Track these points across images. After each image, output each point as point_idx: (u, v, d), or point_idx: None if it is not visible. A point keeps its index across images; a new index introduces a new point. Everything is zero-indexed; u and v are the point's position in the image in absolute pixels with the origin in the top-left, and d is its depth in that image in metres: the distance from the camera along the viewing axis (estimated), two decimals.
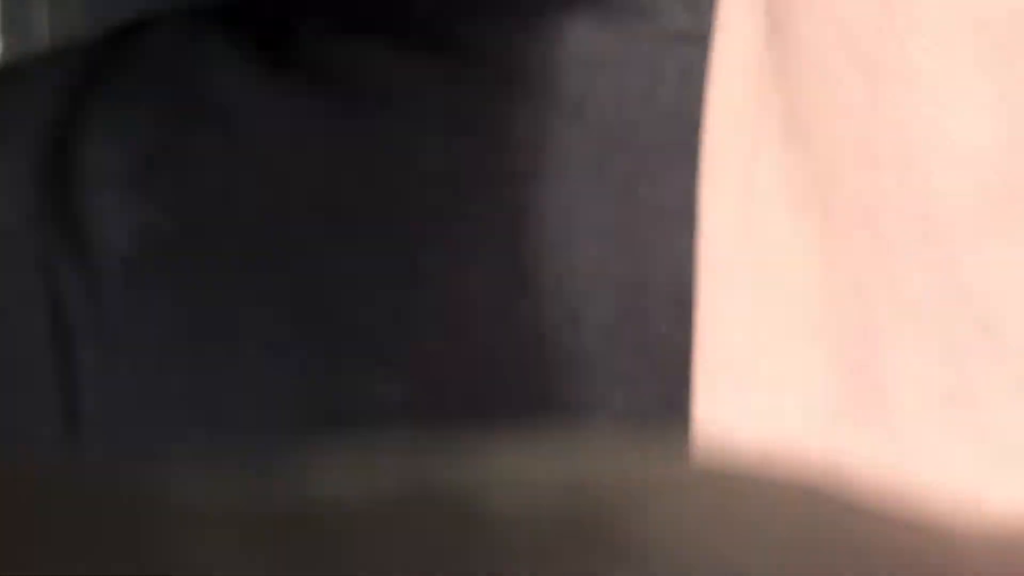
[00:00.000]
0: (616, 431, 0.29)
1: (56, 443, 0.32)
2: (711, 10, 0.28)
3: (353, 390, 0.30)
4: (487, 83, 0.29)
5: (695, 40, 0.28)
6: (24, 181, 0.30)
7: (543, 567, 0.08)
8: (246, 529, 0.08)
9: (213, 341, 0.30)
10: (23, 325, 0.31)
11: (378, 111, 0.29)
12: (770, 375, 0.16)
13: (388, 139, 0.29)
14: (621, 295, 0.29)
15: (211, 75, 0.30)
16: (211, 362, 0.30)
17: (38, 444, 0.32)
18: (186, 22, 0.30)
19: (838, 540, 0.08)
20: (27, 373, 0.31)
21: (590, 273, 0.29)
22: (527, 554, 0.08)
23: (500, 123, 0.29)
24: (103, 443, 0.32)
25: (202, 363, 0.30)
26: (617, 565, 0.08)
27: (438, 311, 0.30)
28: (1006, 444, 0.14)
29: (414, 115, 0.29)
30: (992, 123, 0.12)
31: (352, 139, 0.29)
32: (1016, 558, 0.09)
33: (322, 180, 0.29)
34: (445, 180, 0.29)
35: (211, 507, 0.09)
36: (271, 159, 0.29)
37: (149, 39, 0.31)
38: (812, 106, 0.14)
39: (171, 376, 0.31)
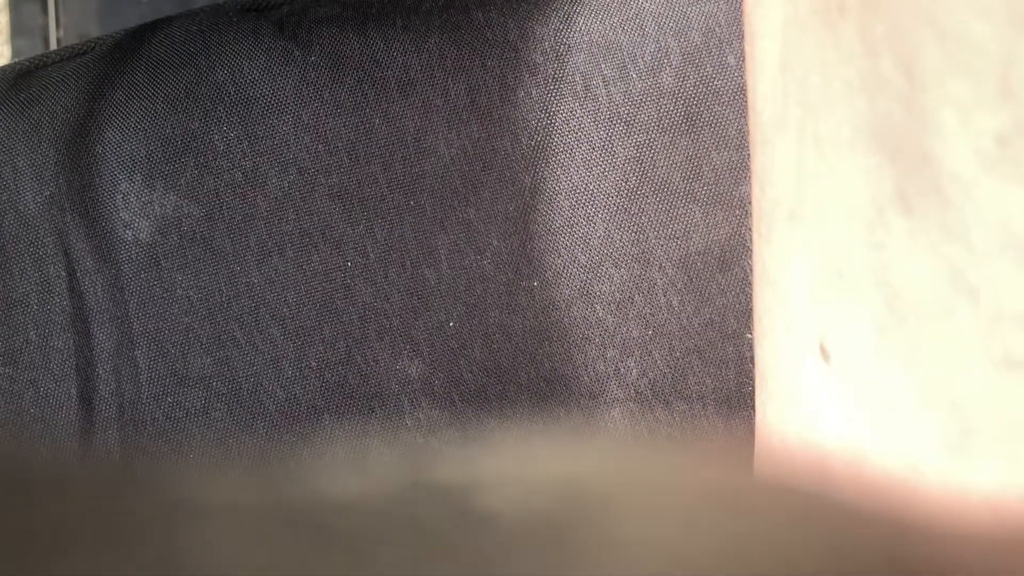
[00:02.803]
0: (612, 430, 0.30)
1: (71, 428, 0.32)
2: None
3: (374, 368, 0.30)
4: (500, 68, 0.30)
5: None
6: (48, 170, 0.31)
7: (537, 563, 0.08)
8: (249, 522, 0.08)
9: (237, 324, 0.31)
10: (42, 310, 0.32)
11: (399, 99, 0.30)
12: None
13: (408, 126, 0.30)
14: (630, 268, 0.30)
15: (231, 65, 0.30)
16: (234, 344, 0.31)
17: (53, 429, 0.32)
18: (204, 16, 0.31)
19: (828, 540, 0.09)
20: (44, 358, 0.32)
21: (599, 248, 0.30)
22: (522, 551, 0.08)
23: (512, 107, 0.30)
24: (116, 428, 0.32)
25: (225, 345, 0.31)
26: (609, 561, 0.08)
27: (454, 290, 0.30)
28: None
29: (433, 102, 0.30)
30: None
31: (373, 128, 0.30)
32: (998, 552, 0.09)
33: (344, 168, 0.30)
34: (460, 164, 0.30)
35: (216, 499, 0.09)
36: (294, 148, 0.30)
37: (167, 33, 0.31)
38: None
39: (193, 358, 0.31)
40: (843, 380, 0.15)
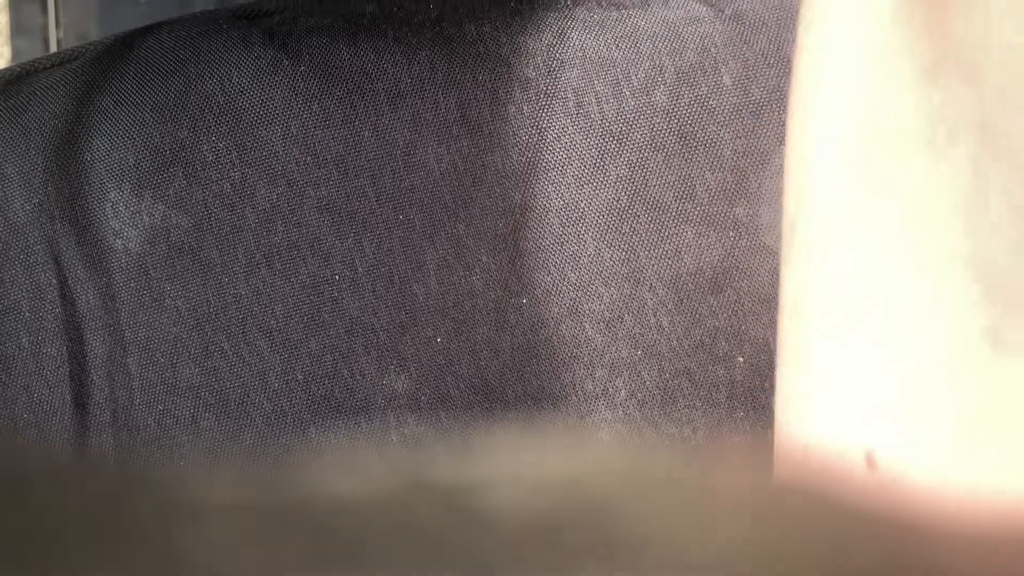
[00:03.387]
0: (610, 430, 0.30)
1: (65, 433, 0.32)
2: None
3: (361, 382, 0.30)
4: (492, 82, 0.29)
5: (706, 20, 0.28)
6: (37, 177, 0.31)
7: (536, 564, 0.08)
8: (247, 522, 0.08)
9: (224, 335, 0.31)
10: (34, 318, 0.32)
11: (388, 112, 0.29)
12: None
13: (398, 140, 0.30)
14: (620, 288, 0.29)
15: (220, 74, 0.30)
16: (222, 355, 0.31)
17: (47, 434, 0.32)
18: (194, 23, 0.31)
19: (829, 543, 0.09)
20: (37, 364, 0.32)
21: (589, 267, 0.30)
22: (521, 551, 0.08)
23: (503, 122, 0.29)
24: (111, 433, 0.32)
25: (213, 356, 0.31)
26: (609, 561, 0.08)
27: (442, 306, 0.30)
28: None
29: (423, 116, 0.29)
30: None
31: (363, 140, 0.30)
32: (999, 554, 0.09)
33: (333, 181, 0.30)
34: (450, 179, 0.30)
35: (213, 499, 0.09)
36: (283, 160, 0.30)
37: (156, 39, 0.31)
38: (971, 39, 0.14)
39: (182, 368, 0.31)
40: (889, 488, 0.15)
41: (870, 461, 0.15)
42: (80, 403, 0.32)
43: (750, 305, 0.29)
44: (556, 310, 0.30)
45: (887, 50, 0.15)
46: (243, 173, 0.30)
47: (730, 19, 0.27)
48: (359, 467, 0.09)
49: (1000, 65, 0.14)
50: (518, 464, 0.10)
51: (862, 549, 0.09)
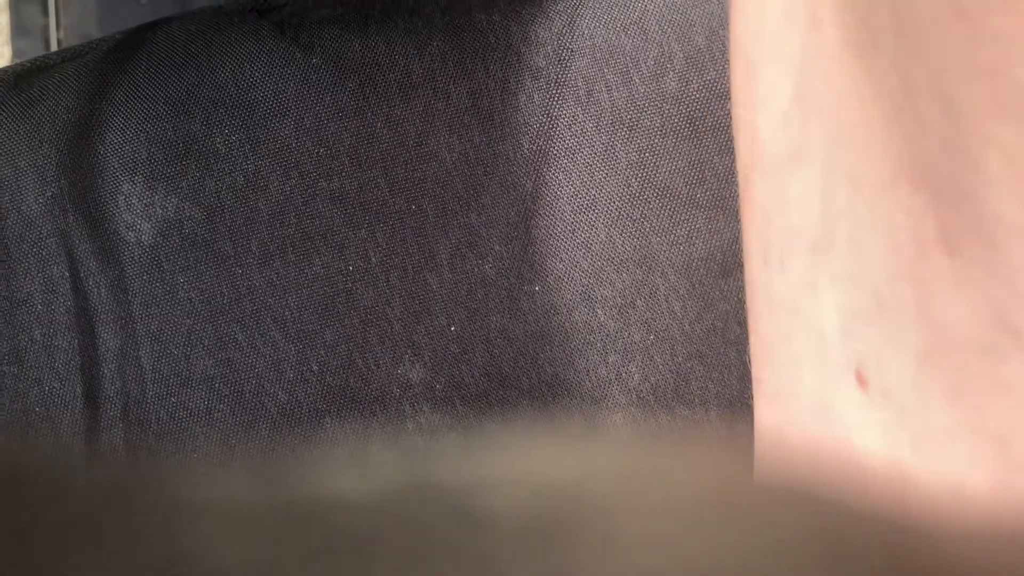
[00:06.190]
0: (614, 430, 0.30)
1: (76, 426, 0.32)
2: None
3: (376, 372, 0.30)
4: (503, 72, 0.29)
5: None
6: (50, 171, 0.31)
7: (536, 564, 0.08)
8: (251, 522, 0.08)
9: (238, 326, 0.31)
10: (46, 311, 0.32)
11: (400, 102, 0.30)
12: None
13: (409, 130, 0.30)
14: (632, 273, 0.30)
15: (232, 66, 0.30)
16: (236, 346, 0.31)
17: (59, 427, 0.32)
18: (204, 17, 0.31)
19: (827, 544, 0.09)
20: (49, 357, 0.32)
21: (601, 253, 0.30)
22: (521, 551, 0.08)
23: (514, 111, 0.29)
24: (122, 426, 0.32)
25: (227, 347, 0.31)
26: (607, 562, 0.08)
27: (455, 295, 0.30)
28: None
29: (434, 106, 0.30)
30: None
31: (375, 132, 0.30)
32: (1000, 554, 0.09)
33: (346, 172, 0.30)
34: (461, 168, 0.30)
35: (218, 499, 0.09)
36: (295, 152, 0.30)
37: (167, 33, 0.31)
38: None
39: (196, 360, 0.31)
40: (883, 407, 0.15)
41: (860, 378, 0.15)
42: (91, 397, 0.32)
43: None
44: (569, 297, 0.30)
45: None
46: (256, 165, 0.30)
47: None
48: (363, 466, 0.10)
49: None
50: (519, 465, 0.10)
51: (861, 550, 0.09)
